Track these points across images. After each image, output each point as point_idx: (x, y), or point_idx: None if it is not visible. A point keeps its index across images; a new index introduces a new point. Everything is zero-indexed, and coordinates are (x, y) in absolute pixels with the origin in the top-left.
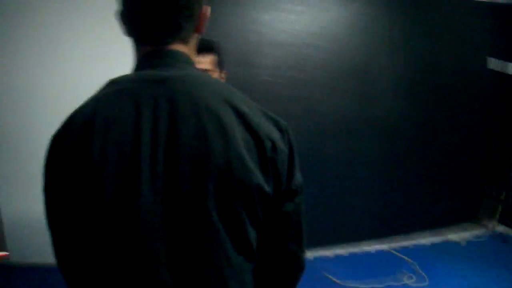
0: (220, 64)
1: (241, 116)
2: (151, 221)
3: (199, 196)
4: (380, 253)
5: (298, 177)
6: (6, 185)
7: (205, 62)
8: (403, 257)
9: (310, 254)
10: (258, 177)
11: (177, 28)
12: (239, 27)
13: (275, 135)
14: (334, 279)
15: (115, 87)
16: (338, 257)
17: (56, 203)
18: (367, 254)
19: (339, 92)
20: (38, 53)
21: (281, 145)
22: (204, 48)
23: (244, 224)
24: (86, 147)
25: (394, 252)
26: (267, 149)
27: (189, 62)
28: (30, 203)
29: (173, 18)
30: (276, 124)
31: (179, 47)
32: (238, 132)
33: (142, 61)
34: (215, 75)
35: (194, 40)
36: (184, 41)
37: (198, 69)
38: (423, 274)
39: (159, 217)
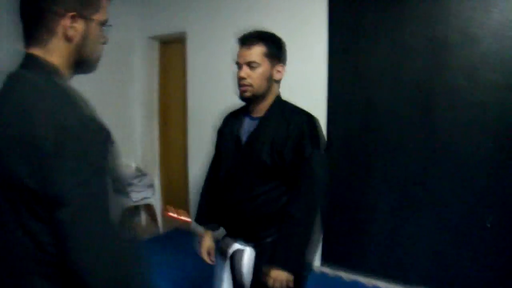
0: (273, 57)
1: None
2: None
3: None
4: None
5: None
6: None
7: (249, 54)
8: None
9: None
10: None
11: (29, 35)
12: (426, 19)
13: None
14: None
15: None
16: None
17: None
18: None
19: None
20: None
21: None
22: (250, 39)
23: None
24: None
25: None
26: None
27: (38, 65)
28: None
29: (25, 26)
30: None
31: (33, 51)
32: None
33: None
34: (264, 68)
35: (59, 43)
36: (40, 46)
37: (42, 70)
38: None
39: None
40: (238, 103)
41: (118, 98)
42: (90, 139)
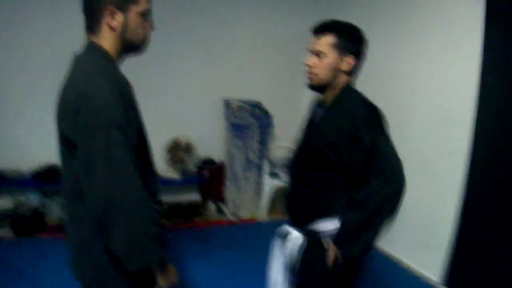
0: (342, 48)
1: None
2: None
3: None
4: None
5: None
6: None
7: (317, 43)
8: None
9: None
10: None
11: (89, 27)
12: None
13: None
14: None
15: None
16: None
17: None
18: None
19: None
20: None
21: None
22: (320, 29)
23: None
24: None
25: None
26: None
27: (93, 49)
28: None
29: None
30: None
31: (92, 38)
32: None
33: None
34: (330, 59)
35: (106, 32)
36: (95, 34)
37: (93, 55)
38: None
39: None
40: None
41: (291, 86)
42: (100, 104)
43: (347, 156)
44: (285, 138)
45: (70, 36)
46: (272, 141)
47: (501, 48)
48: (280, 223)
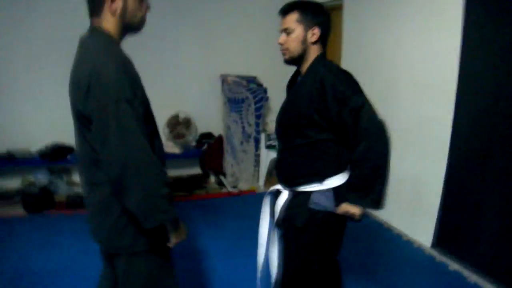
0: (306, 21)
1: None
2: None
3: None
4: None
5: None
6: None
7: (285, 22)
8: None
9: None
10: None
11: (91, 11)
12: None
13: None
14: None
15: None
16: None
17: None
18: None
19: None
20: None
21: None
22: (285, 9)
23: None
24: None
25: None
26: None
27: (96, 32)
28: None
29: (89, 5)
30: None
31: (94, 22)
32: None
33: None
34: (297, 32)
35: (108, 15)
36: (97, 18)
37: (97, 38)
38: None
39: None
40: (388, 72)
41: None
42: (108, 80)
43: (334, 116)
44: None
45: (72, 20)
46: (268, 114)
47: (483, 16)
48: None
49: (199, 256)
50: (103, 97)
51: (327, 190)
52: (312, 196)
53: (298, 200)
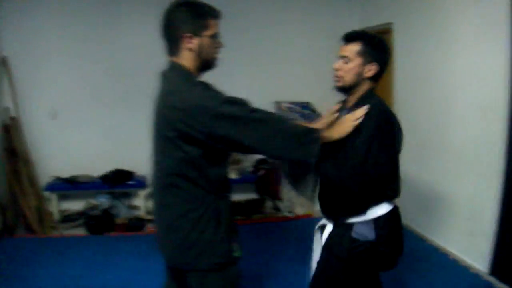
0: (366, 56)
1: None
2: None
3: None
4: None
5: None
6: None
7: (346, 50)
8: None
9: None
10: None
11: (169, 49)
12: None
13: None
14: None
15: None
16: None
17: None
18: None
19: None
20: None
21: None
22: (349, 37)
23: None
24: None
25: None
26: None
27: (176, 68)
28: None
29: (167, 44)
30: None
31: (172, 59)
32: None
33: None
34: (355, 64)
35: (186, 53)
36: (175, 55)
37: (177, 72)
38: None
39: None
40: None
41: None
42: (200, 100)
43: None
44: None
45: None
46: None
47: None
48: None
49: (254, 279)
50: (206, 115)
51: (370, 220)
52: (355, 227)
53: (340, 230)
